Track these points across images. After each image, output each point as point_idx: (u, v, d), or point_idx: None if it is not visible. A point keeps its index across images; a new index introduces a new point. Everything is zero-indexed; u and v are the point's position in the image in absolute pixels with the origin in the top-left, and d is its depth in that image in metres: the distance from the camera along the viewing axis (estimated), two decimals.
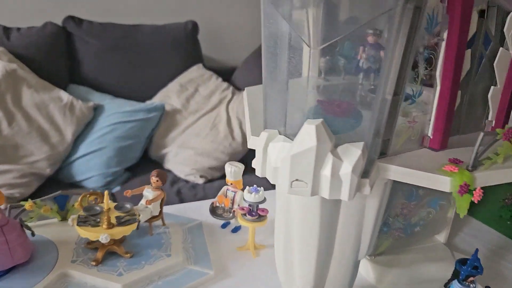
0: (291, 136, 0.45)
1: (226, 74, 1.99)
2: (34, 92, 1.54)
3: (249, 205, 0.74)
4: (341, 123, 0.42)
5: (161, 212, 0.78)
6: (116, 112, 1.64)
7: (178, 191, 1.54)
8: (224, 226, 0.85)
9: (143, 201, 0.75)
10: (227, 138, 1.69)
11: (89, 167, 1.56)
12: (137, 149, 1.67)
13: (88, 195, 0.75)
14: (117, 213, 0.71)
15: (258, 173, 0.47)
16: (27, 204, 0.69)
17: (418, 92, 0.45)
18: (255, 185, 0.75)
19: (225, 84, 1.87)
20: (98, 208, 0.71)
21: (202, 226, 0.83)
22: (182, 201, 1.48)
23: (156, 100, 1.80)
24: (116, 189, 1.57)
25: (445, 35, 0.43)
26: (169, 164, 1.68)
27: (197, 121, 1.74)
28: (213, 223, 0.84)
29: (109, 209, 0.68)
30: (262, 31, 0.45)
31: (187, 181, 1.61)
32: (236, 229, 0.83)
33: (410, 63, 0.42)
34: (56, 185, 1.54)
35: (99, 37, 1.79)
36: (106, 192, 0.69)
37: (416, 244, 0.75)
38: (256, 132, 0.50)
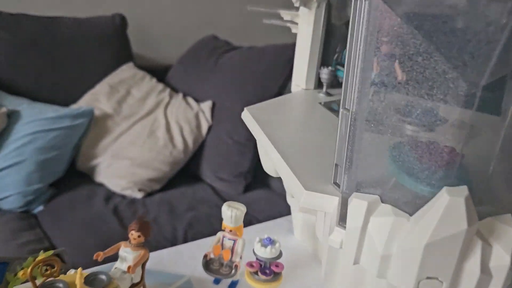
0: (400, 204, 0.31)
1: (159, 73, 1.81)
2: None
3: (260, 260, 0.60)
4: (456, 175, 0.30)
5: (143, 276, 0.59)
6: (36, 119, 1.40)
7: (114, 209, 1.35)
8: (217, 281, 0.67)
9: (119, 264, 0.57)
10: (167, 146, 1.52)
11: (5, 185, 1.32)
12: (63, 161, 1.44)
13: (40, 264, 0.52)
14: None
15: (349, 258, 0.33)
16: None
17: None
18: (268, 236, 0.60)
19: (160, 85, 1.69)
20: (60, 285, 0.51)
21: (192, 285, 0.65)
22: (120, 220, 1.30)
23: (83, 103, 1.58)
24: (39, 209, 1.35)
25: None
26: (101, 177, 1.48)
27: (131, 127, 1.55)
28: (204, 277, 0.66)
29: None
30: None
31: (123, 196, 1.42)
32: (233, 285, 0.67)
33: None
34: None
35: (10, 30, 1.53)
36: (79, 270, 0.50)
37: None
38: (310, 185, 0.36)
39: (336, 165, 0.38)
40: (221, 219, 1.46)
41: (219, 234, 0.64)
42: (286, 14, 0.69)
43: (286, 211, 1.45)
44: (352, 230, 0.34)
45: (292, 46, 1.62)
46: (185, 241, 1.26)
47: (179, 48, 1.87)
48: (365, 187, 0.35)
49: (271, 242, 0.59)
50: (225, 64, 1.68)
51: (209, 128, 1.60)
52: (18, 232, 1.22)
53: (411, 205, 0.32)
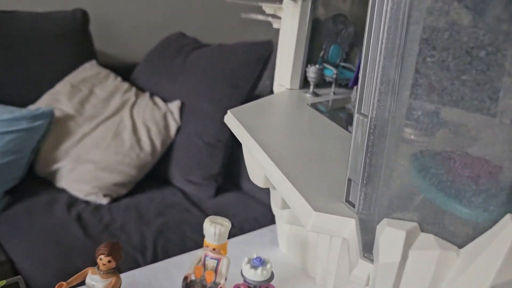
0: (444, 233, 0.26)
1: (124, 72, 1.72)
2: None
3: (248, 283, 0.54)
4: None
5: None
6: None
7: (78, 216, 1.27)
8: None
9: None
10: (134, 148, 1.44)
11: None
12: (20, 166, 1.34)
13: None
14: None
15: None
16: None
17: None
18: (257, 256, 0.53)
19: (126, 85, 1.61)
20: None
21: None
22: (84, 229, 1.21)
23: (42, 104, 1.48)
24: None
25: None
26: (62, 183, 1.38)
27: (95, 129, 1.46)
28: None
29: None
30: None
31: (87, 203, 1.34)
32: None
33: None
34: None
35: None
36: None
37: None
38: (319, 204, 0.30)
39: (350, 180, 0.33)
40: (192, 225, 1.40)
41: (200, 253, 0.57)
42: (268, 7, 0.64)
43: (259, 214, 1.41)
44: (386, 266, 0.28)
45: (264, 44, 1.58)
46: (155, 249, 1.19)
47: (145, 46, 1.79)
48: (395, 210, 0.29)
49: (262, 262, 0.53)
50: (193, 62, 1.62)
51: (178, 129, 1.53)
52: None
53: (458, 234, 0.26)
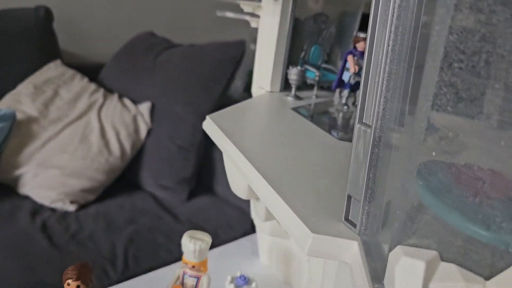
0: (466, 262, 0.23)
1: (90, 72, 1.66)
2: None
3: None
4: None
5: None
6: None
7: (43, 225, 1.20)
8: None
9: None
10: (102, 152, 1.38)
11: None
12: None
13: None
14: None
15: None
16: None
17: None
18: (241, 273, 0.50)
19: (93, 86, 1.54)
20: None
21: None
22: (50, 238, 1.15)
23: (3, 105, 1.40)
24: None
25: None
26: (26, 189, 1.31)
27: (61, 132, 1.40)
28: None
29: None
30: None
31: (53, 210, 1.27)
32: None
33: None
34: None
35: None
36: None
37: None
38: (316, 224, 0.27)
39: (350, 196, 0.30)
40: (164, 232, 1.35)
41: (179, 271, 0.53)
42: (246, 5, 0.60)
43: (234, 219, 1.37)
44: None
45: (236, 44, 1.54)
46: (126, 259, 1.14)
47: (113, 45, 1.73)
48: (410, 235, 0.26)
49: (246, 281, 0.50)
50: (164, 63, 1.57)
51: (149, 132, 1.48)
52: None
53: (483, 264, 0.23)
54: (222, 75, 1.50)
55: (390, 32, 0.25)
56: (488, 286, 0.24)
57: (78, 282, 0.44)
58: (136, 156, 1.46)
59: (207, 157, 1.51)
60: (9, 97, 1.43)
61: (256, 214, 0.60)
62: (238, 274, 0.50)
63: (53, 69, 1.54)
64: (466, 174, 0.24)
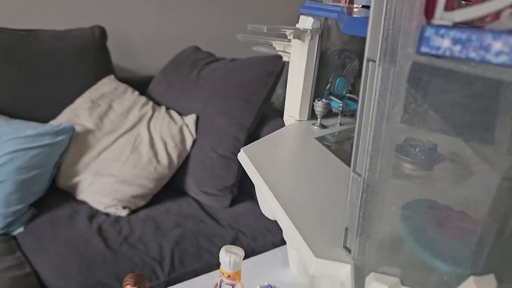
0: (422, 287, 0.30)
1: (140, 85, 1.78)
2: None
3: None
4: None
5: None
6: (14, 138, 1.36)
7: (99, 228, 1.32)
8: None
9: None
10: (151, 162, 1.49)
11: None
12: (43, 180, 1.40)
13: None
14: None
15: None
16: None
17: None
18: (268, 283, 0.58)
19: (143, 99, 1.66)
20: None
21: None
22: (105, 241, 1.27)
23: (62, 119, 1.54)
24: (19, 230, 1.31)
25: None
26: (83, 195, 1.44)
27: (114, 143, 1.52)
28: None
29: None
30: None
31: (107, 214, 1.39)
32: None
33: None
34: None
35: None
36: None
37: None
38: (320, 250, 0.35)
39: (347, 228, 0.37)
40: (207, 236, 1.44)
41: (217, 279, 0.62)
42: (278, 44, 0.68)
43: (271, 225, 1.45)
44: None
45: (274, 59, 1.61)
46: (172, 260, 1.24)
47: (160, 59, 1.85)
48: (382, 263, 0.33)
49: None
50: (208, 76, 1.66)
51: (194, 142, 1.58)
52: None
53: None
54: (262, 88, 1.57)
55: (375, 106, 0.32)
56: None
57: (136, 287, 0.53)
58: (182, 164, 1.57)
59: None
60: (68, 111, 1.57)
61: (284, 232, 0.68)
62: (266, 283, 0.58)
63: (107, 84, 1.66)
64: (441, 215, 0.31)
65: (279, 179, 0.53)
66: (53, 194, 1.45)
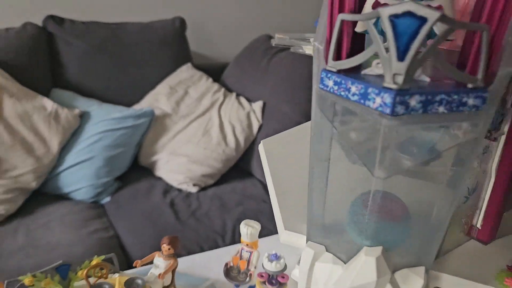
0: (339, 254, 0.40)
1: (215, 71, 1.92)
2: (16, 101, 1.45)
3: (267, 271, 0.70)
4: (395, 231, 0.38)
5: (173, 279, 0.72)
6: (104, 120, 1.56)
7: (171, 202, 1.49)
8: (237, 286, 0.79)
9: (154, 271, 0.70)
10: (220, 144, 1.63)
11: (77, 179, 1.49)
12: (127, 157, 1.60)
13: (94, 268, 0.67)
14: None
15: None
16: (27, 279, 0.63)
17: (472, 189, 0.41)
18: (275, 252, 0.70)
19: (216, 86, 1.80)
20: (107, 286, 0.65)
21: None
22: (176, 213, 1.43)
23: (144, 103, 1.73)
24: (106, 200, 1.51)
25: (506, 128, 0.39)
26: (160, 172, 1.62)
27: (188, 126, 1.68)
28: (226, 282, 0.78)
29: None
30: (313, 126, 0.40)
31: (180, 190, 1.56)
32: None
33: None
34: (42, 198, 1.47)
35: (82, 37, 1.69)
36: (118, 279, 0.63)
37: None
38: (290, 225, 0.45)
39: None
40: (267, 215, 1.55)
41: (239, 246, 0.75)
42: (308, 49, 0.75)
43: None
44: (303, 271, 0.43)
45: None
46: (234, 235, 1.37)
47: (235, 47, 1.97)
48: (315, 236, 0.43)
49: (277, 257, 0.69)
50: (276, 65, 1.75)
51: (260, 127, 1.69)
52: (88, 221, 1.38)
53: (349, 255, 0.40)
54: None
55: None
56: (345, 267, 0.39)
57: (169, 246, 0.67)
58: (248, 147, 1.69)
59: None
60: (149, 97, 1.75)
61: None
62: (273, 252, 0.69)
63: (184, 71, 1.82)
64: (376, 203, 0.39)
65: (283, 172, 0.62)
66: (135, 170, 1.64)
